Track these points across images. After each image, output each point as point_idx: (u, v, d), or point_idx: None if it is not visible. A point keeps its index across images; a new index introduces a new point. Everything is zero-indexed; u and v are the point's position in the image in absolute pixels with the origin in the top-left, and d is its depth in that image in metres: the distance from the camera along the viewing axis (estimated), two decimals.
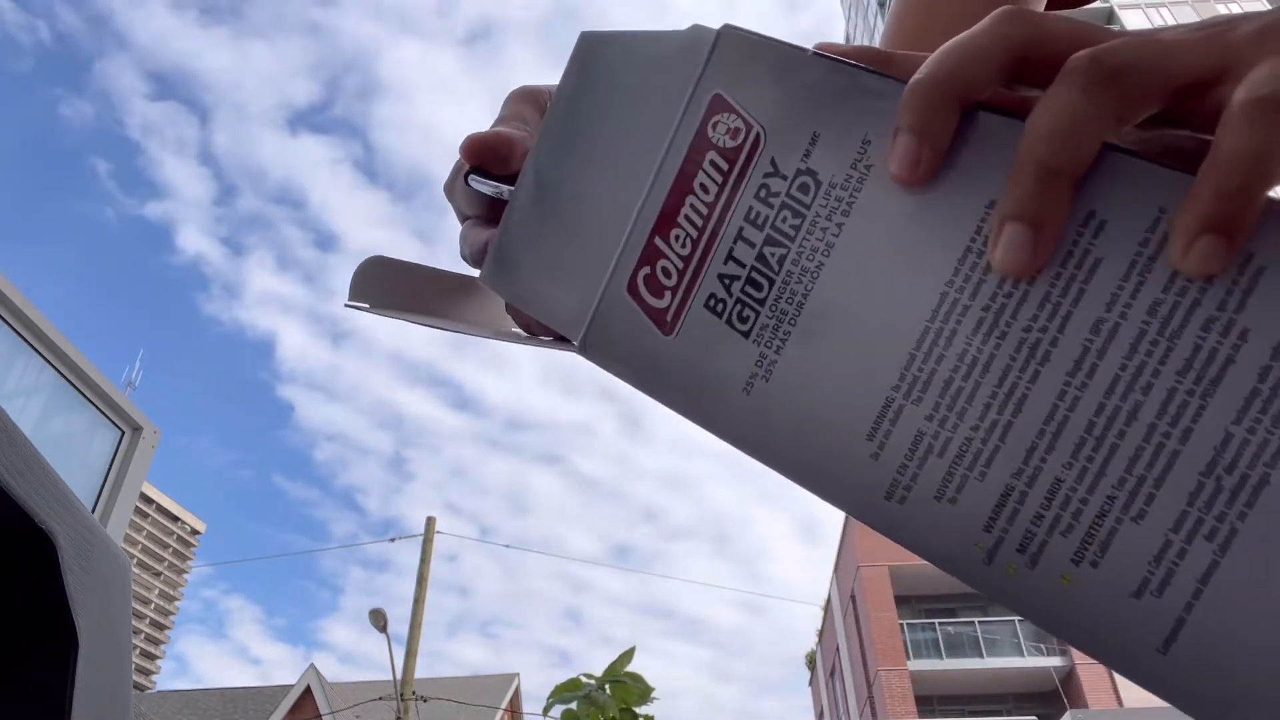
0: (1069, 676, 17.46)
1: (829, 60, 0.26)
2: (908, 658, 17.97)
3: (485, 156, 0.32)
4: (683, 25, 0.29)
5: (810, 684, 28.64)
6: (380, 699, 10.58)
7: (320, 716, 16.07)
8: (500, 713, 16.75)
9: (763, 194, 0.26)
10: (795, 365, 0.25)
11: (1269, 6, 0.23)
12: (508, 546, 43.47)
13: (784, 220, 0.26)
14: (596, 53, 0.30)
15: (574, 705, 8.85)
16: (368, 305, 0.34)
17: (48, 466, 0.39)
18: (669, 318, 0.27)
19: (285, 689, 17.58)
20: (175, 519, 78.14)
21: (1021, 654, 18.37)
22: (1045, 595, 0.22)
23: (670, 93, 0.28)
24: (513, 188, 0.31)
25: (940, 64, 0.24)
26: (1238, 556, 0.20)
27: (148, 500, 73.34)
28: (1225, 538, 0.20)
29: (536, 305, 0.30)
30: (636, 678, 8.92)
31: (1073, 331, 0.22)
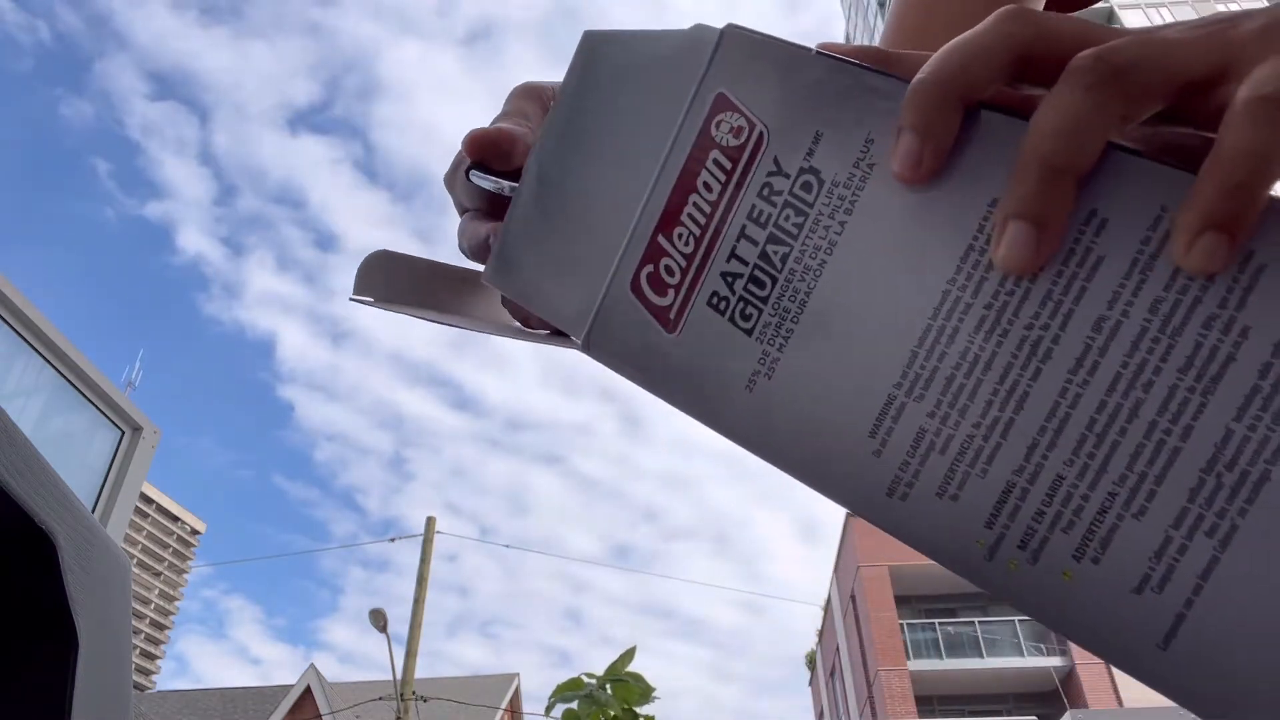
0: (1069, 676, 17.46)
1: (832, 59, 0.26)
2: (908, 658, 17.96)
3: (487, 152, 0.32)
4: (683, 25, 0.29)
5: (810, 684, 28.64)
6: (380, 699, 10.58)
7: (320, 716, 16.07)
8: (500, 713, 16.74)
9: (766, 192, 0.26)
10: (798, 363, 0.25)
11: (1270, 4, 0.23)
12: (508, 546, 43.47)
13: (787, 219, 0.26)
14: (599, 52, 0.30)
15: (575, 704, 8.86)
16: (372, 299, 0.34)
17: (48, 466, 0.39)
18: (672, 315, 0.27)
19: (285, 689, 17.58)
20: (175, 519, 78.15)
21: (1021, 654, 18.37)
22: (1046, 592, 0.22)
23: (674, 91, 0.28)
24: (514, 183, 0.31)
25: (943, 63, 0.24)
26: (1238, 553, 0.20)
27: (148, 500, 73.36)
28: (1226, 534, 0.20)
29: (540, 303, 0.30)
30: (637, 677, 8.92)
31: (1074, 329, 0.22)
